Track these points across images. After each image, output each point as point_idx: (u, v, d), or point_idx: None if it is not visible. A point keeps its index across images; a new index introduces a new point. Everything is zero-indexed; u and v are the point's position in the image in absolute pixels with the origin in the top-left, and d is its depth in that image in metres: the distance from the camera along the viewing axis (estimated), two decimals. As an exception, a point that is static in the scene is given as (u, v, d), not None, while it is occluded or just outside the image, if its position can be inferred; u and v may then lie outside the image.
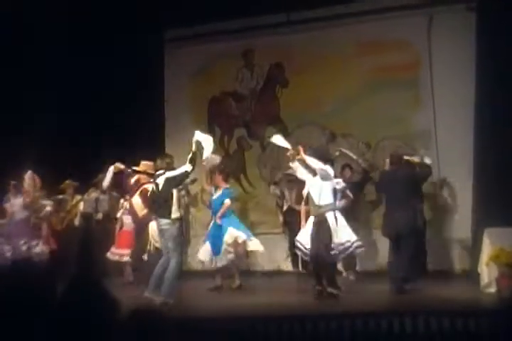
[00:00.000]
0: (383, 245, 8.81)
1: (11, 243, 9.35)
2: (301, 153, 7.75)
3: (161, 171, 7.80)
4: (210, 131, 12.11)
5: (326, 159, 7.87)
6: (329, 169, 7.74)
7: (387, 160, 8.48)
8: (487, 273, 7.62)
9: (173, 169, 7.76)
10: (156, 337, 2.53)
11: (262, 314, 6.74)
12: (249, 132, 11.97)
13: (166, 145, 12.06)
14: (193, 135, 9.48)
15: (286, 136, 11.27)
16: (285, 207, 10.18)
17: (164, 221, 7.64)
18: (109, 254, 9.89)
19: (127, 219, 9.98)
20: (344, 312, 6.44)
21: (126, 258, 9.85)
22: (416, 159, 8.42)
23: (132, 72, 11.33)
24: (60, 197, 10.67)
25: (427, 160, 8.76)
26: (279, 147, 8.55)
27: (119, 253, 9.88)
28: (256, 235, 9.22)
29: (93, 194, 10.56)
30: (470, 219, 9.49)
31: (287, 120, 11.55)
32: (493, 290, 7.50)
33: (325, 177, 7.64)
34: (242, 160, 11.95)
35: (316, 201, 7.71)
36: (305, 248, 7.76)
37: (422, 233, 8.55)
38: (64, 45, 10.73)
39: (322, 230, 7.60)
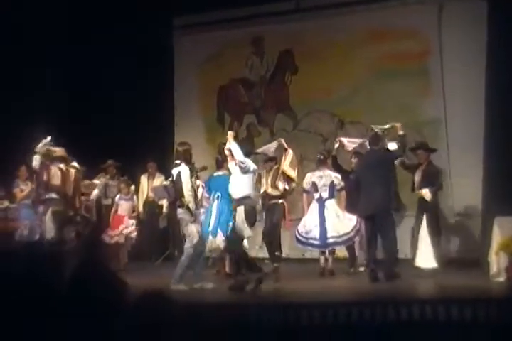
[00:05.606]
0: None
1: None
2: (229, 140, 7.75)
3: (178, 161, 7.87)
4: (219, 118, 12.18)
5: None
6: (249, 162, 7.74)
7: (367, 141, 8.45)
8: (496, 262, 7.60)
9: (191, 157, 7.84)
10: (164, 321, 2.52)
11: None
12: (259, 119, 11.98)
13: (175, 133, 12.09)
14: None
15: (296, 123, 11.38)
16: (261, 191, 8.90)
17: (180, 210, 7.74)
18: (105, 237, 9.94)
19: (122, 204, 10.15)
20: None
21: (121, 239, 9.91)
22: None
23: (141, 60, 11.33)
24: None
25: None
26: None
27: (115, 234, 9.91)
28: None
29: (102, 179, 10.57)
30: (480, 207, 9.48)
31: (297, 107, 11.56)
32: (502, 279, 7.49)
33: (244, 170, 7.66)
34: (251, 146, 11.93)
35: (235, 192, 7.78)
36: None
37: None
38: (71, 34, 10.73)
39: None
